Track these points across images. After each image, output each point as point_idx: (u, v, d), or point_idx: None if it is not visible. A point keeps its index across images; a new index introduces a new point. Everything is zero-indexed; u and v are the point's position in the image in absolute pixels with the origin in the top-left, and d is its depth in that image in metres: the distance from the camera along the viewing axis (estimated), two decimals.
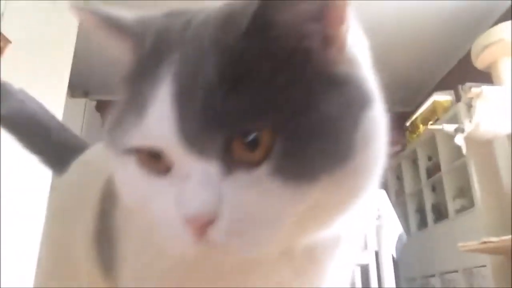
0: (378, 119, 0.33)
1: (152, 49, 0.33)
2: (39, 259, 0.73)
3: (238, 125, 0.29)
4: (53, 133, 0.78)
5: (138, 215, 0.44)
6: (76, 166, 0.72)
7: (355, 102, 0.32)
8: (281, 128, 0.29)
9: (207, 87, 0.29)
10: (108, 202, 0.56)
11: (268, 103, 0.29)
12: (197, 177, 0.30)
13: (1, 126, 0.76)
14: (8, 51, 2.09)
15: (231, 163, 0.30)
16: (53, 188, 0.76)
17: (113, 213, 0.52)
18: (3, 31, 2.08)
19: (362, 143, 0.31)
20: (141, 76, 0.33)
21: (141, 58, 0.34)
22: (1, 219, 1.88)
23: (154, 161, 0.32)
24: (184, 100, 0.30)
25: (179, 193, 0.31)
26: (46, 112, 0.81)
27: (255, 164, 0.30)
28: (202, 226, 0.29)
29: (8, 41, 2.08)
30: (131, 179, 0.34)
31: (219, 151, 0.30)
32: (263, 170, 0.30)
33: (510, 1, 3.07)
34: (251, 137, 0.29)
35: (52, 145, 0.78)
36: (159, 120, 0.30)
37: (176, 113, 0.30)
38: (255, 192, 0.30)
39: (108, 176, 0.59)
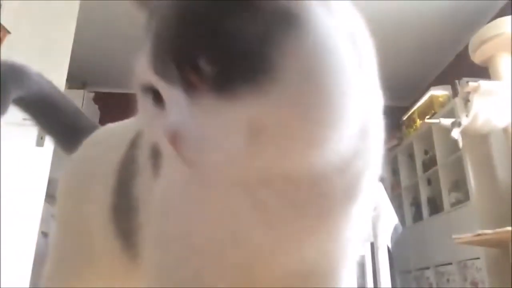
0: (321, 48, 0.36)
1: (152, 16, 0.42)
2: (53, 238, 0.76)
3: (187, 56, 0.36)
4: (67, 114, 0.84)
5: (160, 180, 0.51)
6: (86, 145, 0.77)
7: (280, 28, 0.35)
8: (220, 56, 0.35)
9: (168, 31, 0.38)
10: (125, 176, 0.61)
11: (210, 36, 0.35)
12: (169, 101, 0.37)
13: (19, 106, 0.81)
14: (7, 42, 2.09)
15: (190, 89, 0.36)
16: (63, 168, 0.80)
17: (132, 185, 0.58)
18: (2, 22, 2.08)
19: (290, 65, 0.35)
20: (147, 36, 0.41)
21: (148, 24, 0.42)
22: (0, 219, 1.90)
23: (157, 96, 0.40)
24: (156, 44, 0.38)
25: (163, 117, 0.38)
26: (62, 95, 0.86)
27: (206, 88, 0.36)
28: (175, 141, 0.36)
29: (7, 32, 2.08)
30: (147, 114, 0.41)
31: (179, 79, 0.36)
32: (211, 93, 0.36)
33: None
34: (200, 64, 0.35)
35: (65, 126, 0.84)
36: (144, 62, 0.39)
37: (151, 54, 0.38)
38: (210, 113, 0.36)
39: (124, 153, 0.65)
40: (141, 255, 0.54)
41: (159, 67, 0.37)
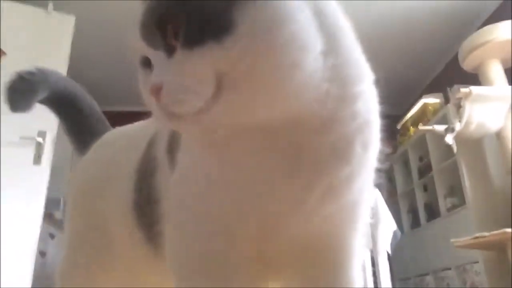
0: (278, 13, 0.40)
1: None
2: (68, 236, 0.78)
3: (165, 22, 0.42)
4: (87, 118, 0.89)
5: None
6: (97, 147, 0.81)
7: None
8: (191, 18, 0.40)
9: (152, 3, 0.44)
10: (146, 173, 0.65)
11: (184, 4, 0.41)
12: (154, 63, 0.43)
13: (45, 104, 0.87)
14: (2, 63, 2.10)
15: (169, 49, 0.42)
16: (74, 169, 0.85)
17: (154, 180, 0.63)
18: None
19: (249, 26, 0.40)
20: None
21: None
22: (1, 220, 1.89)
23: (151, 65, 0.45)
24: (144, 16, 0.44)
25: None
26: (88, 100, 0.91)
27: (180, 46, 0.41)
28: (156, 93, 0.41)
29: (3, 53, 2.10)
30: (146, 84, 0.45)
31: (161, 42, 0.43)
32: (183, 49, 0.41)
33: (496, 4, 3.15)
34: (179, 27, 0.41)
35: (83, 128, 0.89)
36: (136, 34, 0.45)
37: (141, 26, 0.44)
38: (183, 67, 0.41)
39: (144, 151, 0.68)
40: (163, 244, 0.57)
41: (147, 35, 0.44)
